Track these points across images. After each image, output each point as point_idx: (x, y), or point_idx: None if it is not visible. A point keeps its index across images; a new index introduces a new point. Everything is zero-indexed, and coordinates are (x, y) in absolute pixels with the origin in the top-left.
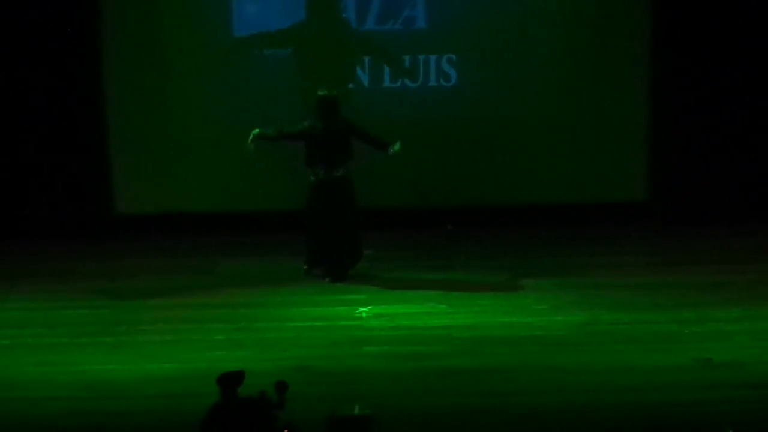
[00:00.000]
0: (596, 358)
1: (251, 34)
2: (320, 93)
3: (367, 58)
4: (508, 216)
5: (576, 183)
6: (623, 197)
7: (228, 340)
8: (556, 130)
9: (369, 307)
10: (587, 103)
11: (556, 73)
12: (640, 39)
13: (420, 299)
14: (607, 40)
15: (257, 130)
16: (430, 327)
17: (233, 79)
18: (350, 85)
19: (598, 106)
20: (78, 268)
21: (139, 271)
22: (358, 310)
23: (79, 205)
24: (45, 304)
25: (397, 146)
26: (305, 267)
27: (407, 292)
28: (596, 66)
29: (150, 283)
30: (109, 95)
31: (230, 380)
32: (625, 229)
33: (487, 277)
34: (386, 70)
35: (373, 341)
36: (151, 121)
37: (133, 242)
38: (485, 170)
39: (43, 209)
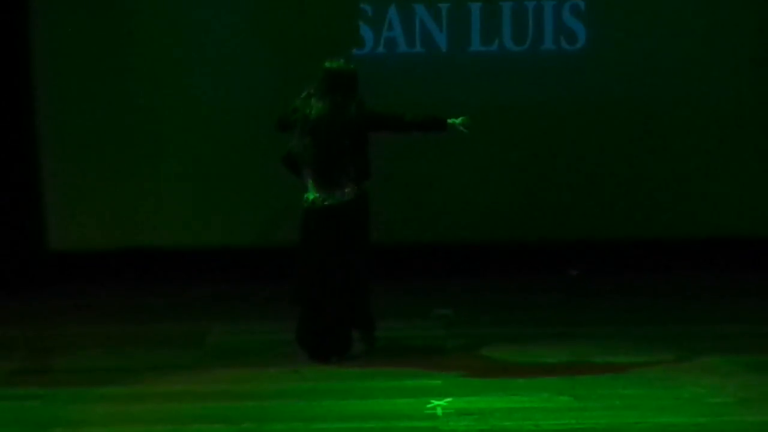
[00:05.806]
0: None
1: None
2: (328, 65)
3: (445, 5)
4: (661, 255)
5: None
6: None
7: None
8: (744, 130)
9: (447, 400)
10: None
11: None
12: None
13: (527, 388)
14: None
15: None
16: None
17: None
18: (419, 49)
19: None
20: None
21: (82, 339)
22: (430, 404)
23: None
24: None
25: (462, 118)
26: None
27: (506, 378)
28: None
29: (100, 360)
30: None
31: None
32: None
33: (631, 351)
34: (475, 24)
35: None
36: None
37: (75, 294)
38: (631, 187)
39: None
